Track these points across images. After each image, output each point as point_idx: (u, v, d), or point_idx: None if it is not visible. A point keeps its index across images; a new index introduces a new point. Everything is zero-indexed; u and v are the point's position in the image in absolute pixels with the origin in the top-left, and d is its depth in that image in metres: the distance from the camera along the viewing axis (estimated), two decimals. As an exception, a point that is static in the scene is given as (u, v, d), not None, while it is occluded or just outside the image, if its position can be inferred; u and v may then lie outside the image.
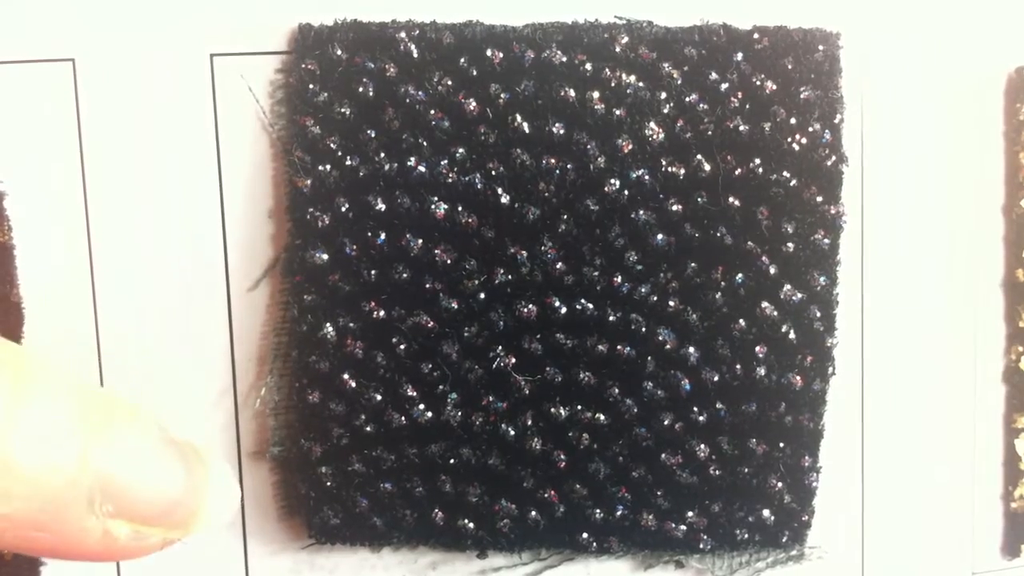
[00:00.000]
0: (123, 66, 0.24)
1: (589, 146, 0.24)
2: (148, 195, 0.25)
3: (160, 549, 0.22)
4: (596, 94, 0.24)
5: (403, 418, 0.25)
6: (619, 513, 0.26)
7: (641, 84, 0.25)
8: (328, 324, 0.24)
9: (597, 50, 0.24)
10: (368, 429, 0.25)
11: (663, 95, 0.25)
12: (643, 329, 0.25)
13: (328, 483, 0.25)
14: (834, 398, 0.26)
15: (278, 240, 0.25)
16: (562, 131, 0.24)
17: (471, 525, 0.26)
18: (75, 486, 0.20)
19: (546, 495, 0.26)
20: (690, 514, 0.26)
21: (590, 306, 0.25)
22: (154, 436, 0.22)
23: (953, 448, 0.28)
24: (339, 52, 0.24)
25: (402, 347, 0.25)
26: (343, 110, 0.24)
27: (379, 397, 0.25)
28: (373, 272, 0.24)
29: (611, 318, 0.25)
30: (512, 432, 0.25)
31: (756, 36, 0.25)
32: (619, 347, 0.25)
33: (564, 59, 0.24)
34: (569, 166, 0.24)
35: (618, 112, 0.24)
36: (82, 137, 0.24)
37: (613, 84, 0.24)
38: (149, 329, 0.25)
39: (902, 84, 0.27)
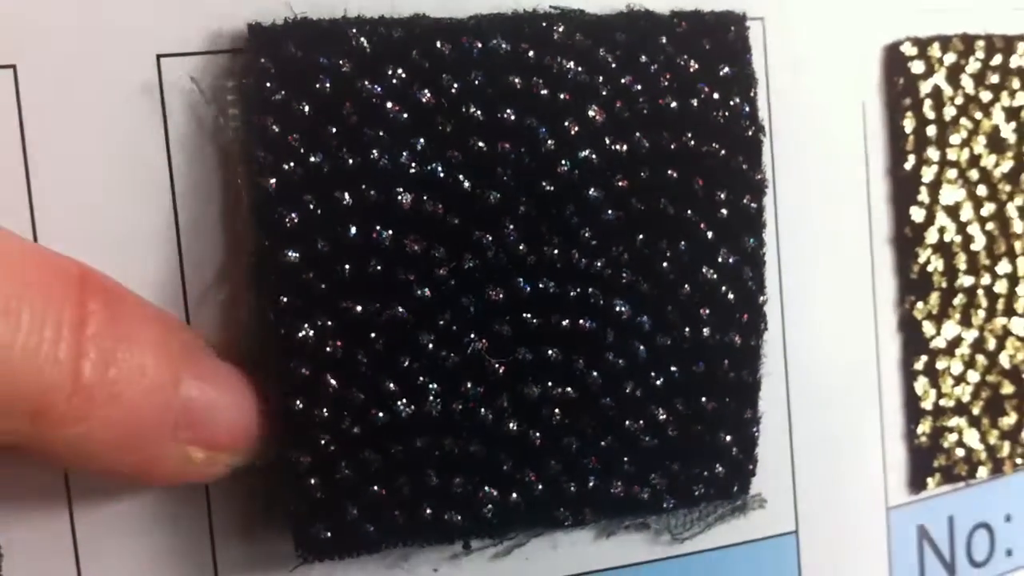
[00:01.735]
0: (66, 71, 0.23)
1: (540, 130, 0.25)
2: (97, 204, 0.23)
3: (223, 474, 0.24)
4: (541, 80, 0.26)
5: (387, 415, 0.25)
6: (591, 484, 0.27)
7: (580, 69, 0.26)
8: (306, 325, 0.24)
9: (538, 38, 0.26)
10: (355, 431, 0.25)
11: (601, 78, 0.26)
12: (601, 302, 0.26)
13: (318, 494, 0.25)
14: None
15: (234, 244, 0.25)
16: (513, 117, 0.25)
17: (458, 517, 0.26)
18: (166, 413, 0.22)
19: (525, 476, 0.26)
20: (653, 476, 0.28)
21: (552, 284, 0.26)
22: (227, 367, 0.24)
23: (861, 393, 0.31)
24: (293, 50, 0.24)
25: (381, 342, 0.25)
26: (302, 107, 0.24)
27: (362, 396, 0.25)
28: (347, 267, 0.24)
29: (571, 294, 0.26)
30: (490, 416, 0.26)
31: (675, 20, 0.27)
32: (581, 321, 0.26)
33: (508, 48, 0.25)
34: (523, 150, 0.25)
35: (562, 96, 0.26)
36: (26, 146, 0.23)
37: (555, 70, 0.26)
38: None
39: (800, 61, 0.30)
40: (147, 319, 0.22)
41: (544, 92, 0.25)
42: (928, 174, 0.31)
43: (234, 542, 0.25)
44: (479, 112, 0.25)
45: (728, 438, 0.28)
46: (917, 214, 0.31)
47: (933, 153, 0.31)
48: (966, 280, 0.32)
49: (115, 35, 0.23)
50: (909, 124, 0.31)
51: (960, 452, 0.33)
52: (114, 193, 0.23)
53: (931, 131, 0.31)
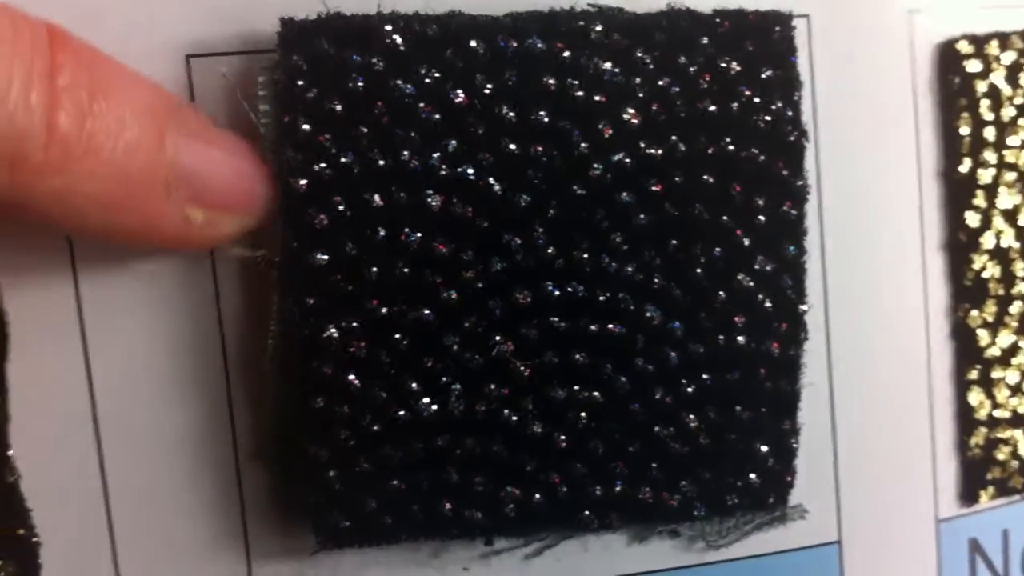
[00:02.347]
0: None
1: (574, 133, 0.25)
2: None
3: (236, 235, 0.24)
4: (576, 81, 0.25)
5: (409, 413, 0.25)
6: (618, 489, 0.27)
7: (617, 70, 0.25)
8: (331, 326, 0.24)
9: (574, 37, 0.25)
10: (375, 428, 0.25)
11: (638, 80, 0.26)
12: (631, 307, 0.26)
13: (336, 486, 0.25)
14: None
15: (264, 241, 0.25)
16: (546, 119, 0.25)
17: (479, 515, 0.26)
18: (153, 168, 0.22)
19: (549, 477, 0.26)
20: (684, 483, 0.27)
21: (581, 288, 0.26)
22: (221, 130, 0.24)
23: (911, 403, 0.30)
24: (326, 46, 0.24)
25: (405, 343, 0.25)
26: (333, 106, 0.24)
27: (384, 395, 0.25)
28: (374, 269, 0.24)
29: (601, 298, 0.26)
30: (514, 418, 0.26)
31: (718, 20, 0.26)
32: (610, 326, 0.26)
33: (544, 48, 0.25)
34: (555, 152, 0.25)
35: (597, 98, 0.25)
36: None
37: (591, 71, 0.25)
38: (139, 334, 0.25)
39: (847, 60, 0.29)
40: (125, 77, 0.22)
41: (579, 94, 0.25)
42: (985, 177, 0.30)
43: (265, 529, 0.26)
44: (512, 113, 0.25)
45: (764, 448, 0.28)
46: (972, 219, 0.30)
47: (990, 155, 0.29)
48: (1024, 287, 0.31)
49: (145, 36, 0.24)
50: (964, 125, 0.29)
51: (1015, 464, 0.31)
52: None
53: (988, 132, 0.29)
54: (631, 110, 0.26)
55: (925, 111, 0.29)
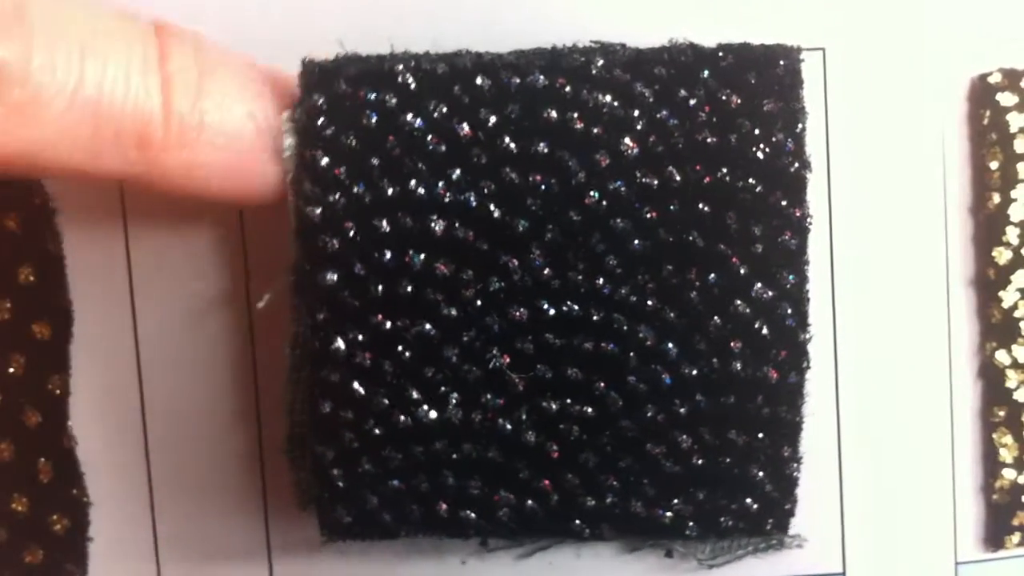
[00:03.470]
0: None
1: (571, 162, 0.27)
2: (179, 218, 0.28)
3: None
4: (576, 114, 0.27)
5: (409, 419, 0.27)
6: (609, 501, 0.28)
7: (616, 103, 0.27)
8: (339, 339, 0.27)
9: (576, 73, 0.27)
10: (376, 432, 0.27)
11: (636, 112, 0.27)
12: (625, 327, 0.27)
13: (340, 483, 0.27)
14: (811, 391, 0.28)
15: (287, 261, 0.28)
16: (546, 150, 0.27)
17: (472, 515, 0.28)
18: (261, 136, 0.26)
19: (541, 485, 0.28)
20: (676, 501, 0.28)
21: (576, 307, 0.27)
22: None
23: (931, 441, 0.30)
24: (344, 86, 0.27)
25: (407, 354, 0.27)
26: (349, 141, 0.27)
27: (386, 402, 0.27)
28: (380, 288, 0.27)
29: (595, 318, 0.27)
30: (508, 426, 0.27)
31: (721, 54, 0.27)
32: (603, 344, 0.27)
33: (546, 83, 0.27)
34: (553, 181, 0.27)
35: (596, 130, 0.27)
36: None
37: (591, 104, 0.27)
38: (182, 337, 0.29)
39: (864, 93, 0.29)
40: (227, 57, 0.26)
41: (578, 126, 0.27)
42: (1017, 213, 0.29)
43: (285, 522, 0.29)
44: (513, 145, 0.27)
45: (760, 473, 0.28)
46: (1002, 256, 0.29)
47: (1022, 191, 0.29)
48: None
49: None
50: (994, 159, 0.29)
51: (1043, 511, 0.30)
52: (190, 212, 0.28)
53: (1021, 168, 0.29)
54: (628, 141, 0.27)
55: (953, 145, 0.29)
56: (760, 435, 0.28)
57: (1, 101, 0.21)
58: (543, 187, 0.27)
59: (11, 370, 0.28)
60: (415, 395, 0.27)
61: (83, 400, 0.29)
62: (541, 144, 0.27)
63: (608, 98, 0.27)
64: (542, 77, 0.27)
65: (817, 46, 0.29)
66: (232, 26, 0.28)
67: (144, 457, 0.29)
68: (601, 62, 0.27)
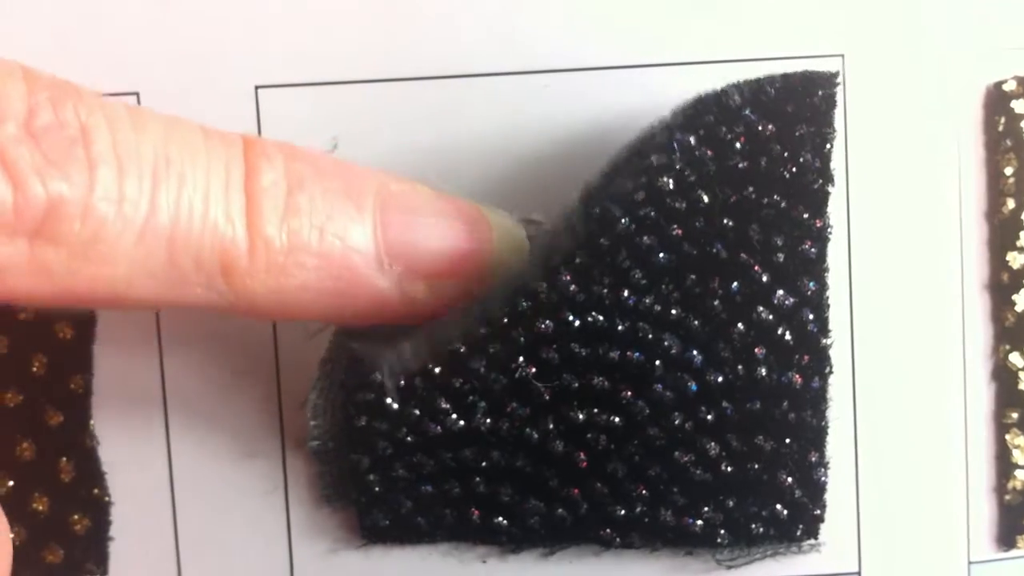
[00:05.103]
0: (172, 101, 0.27)
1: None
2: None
3: (465, 299, 0.25)
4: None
5: (439, 428, 0.28)
6: (639, 510, 0.28)
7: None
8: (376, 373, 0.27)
9: None
10: (409, 439, 0.28)
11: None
12: (649, 336, 0.28)
13: (376, 488, 0.28)
14: (830, 394, 0.28)
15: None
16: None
17: (504, 522, 0.28)
18: (359, 252, 0.23)
19: (570, 493, 0.28)
20: (706, 509, 0.28)
21: (600, 317, 0.27)
22: (426, 195, 0.24)
23: (945, 443, 0.30)
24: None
25: (437, 370, 0.27)
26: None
27: (417, 412, 0.27)
28: None
29: (619, 327, 0.27)
30: (536, 435, 0.28)
31: (767, 89, 0.27)
32: (628, 353, 0.28)
33: None
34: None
35: None
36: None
37: None
38: (205, 337, 0.29)
39: (882, 99, 0.29)
40: (319, 166, 0.23)
41: None
42: (1030, 218, 0.29)
43: (307, 521, 0.30)
44: None
45: (789, 479, 0.28)
46: (1016, 260, 0.29)
47: (1037, 196, 0.29)
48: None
49: (214, 66, 0.27)
50: (1008, 165, 0.29)
51: (1056, 511, 0.31)
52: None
53: (1035, 173, 0.29)
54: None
55: (969, 151, 0.30)
56: (787, 440, 0.28)
57: (62, 240, 0.19)
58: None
59: (33, 370, 0.28)
60: (443, 405, 0.27)
61: (105, 400, 0.29)
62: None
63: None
64: None
65: (837, 52, 0.29)
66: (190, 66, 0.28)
67: (166, 457, 0.29)
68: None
